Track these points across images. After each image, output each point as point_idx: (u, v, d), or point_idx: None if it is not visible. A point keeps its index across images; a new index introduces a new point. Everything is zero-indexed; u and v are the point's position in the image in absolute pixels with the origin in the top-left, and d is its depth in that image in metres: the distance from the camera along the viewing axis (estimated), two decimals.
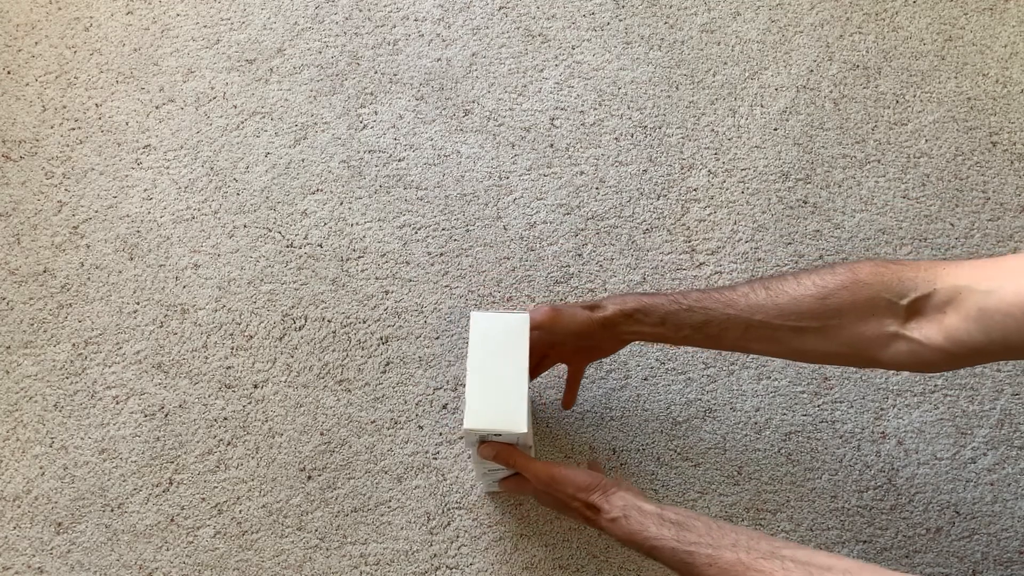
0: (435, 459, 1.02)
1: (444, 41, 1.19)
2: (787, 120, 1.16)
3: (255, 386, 1.05)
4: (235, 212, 1.11)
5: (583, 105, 1.16)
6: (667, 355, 1.05)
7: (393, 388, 1.04)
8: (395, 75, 1.17)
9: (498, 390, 0.82)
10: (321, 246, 1.10)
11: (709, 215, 1.12)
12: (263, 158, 1.14)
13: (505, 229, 1.11)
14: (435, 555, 0.99)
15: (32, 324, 1.07)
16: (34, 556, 0.99)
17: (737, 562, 0.68)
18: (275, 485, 1.01)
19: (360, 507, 1.00)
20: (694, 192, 1.13)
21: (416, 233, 1.11)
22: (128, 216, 1.11)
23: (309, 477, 1.01)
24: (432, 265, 1.09)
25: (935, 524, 1.00)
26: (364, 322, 1.07)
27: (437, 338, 1.06)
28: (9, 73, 1.17)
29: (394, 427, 1.03)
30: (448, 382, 1.05)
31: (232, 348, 1.06)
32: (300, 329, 1.07)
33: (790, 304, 0.77)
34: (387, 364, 1.05)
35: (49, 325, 1.07)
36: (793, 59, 1.19)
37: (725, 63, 1.18)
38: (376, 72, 1.18)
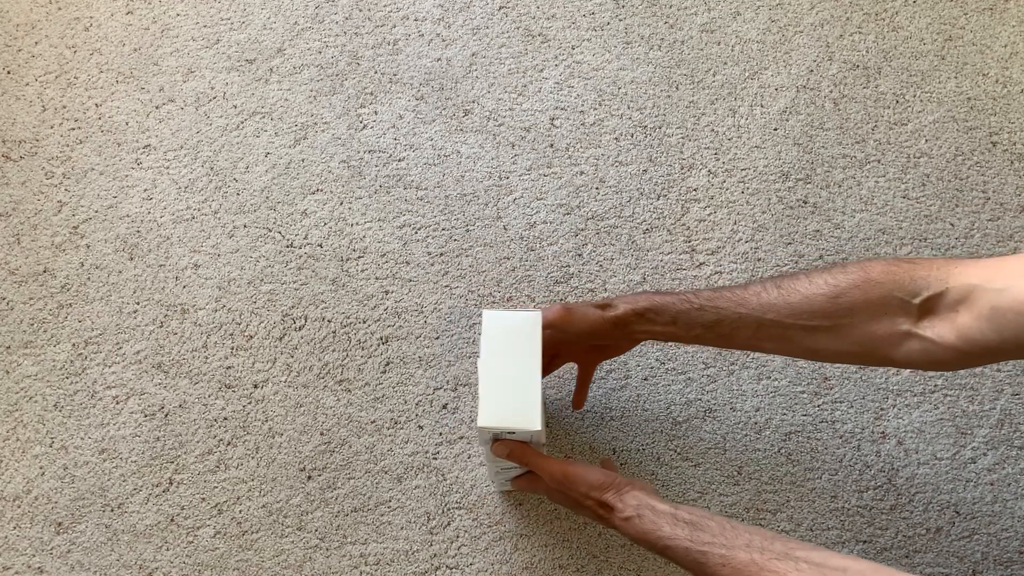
0: (435, 459, 1.02)
1: (444, 41, 1.19)
2: (787, 120, 1.16)
3: (255, 386, 1.05)
4: (235, 212, 1.11)
5: (583, 105, 1.16)
6: (667, 355, 1.05)
7: (393, 388, 1.04)
8: (395, 75, 1.17)
9: (511, 388, 0.82)
10: (321, 246, 1.10)
11: (709, 215, 1.12)
12: (263, 158, 1.14)
13: (505, 229, 1.11)
14: (435, 555, 0.99)
15: (32, 324, 1.07)
16: (34, 556, 0.99)
17: (751, 562, 0.68)
18: (275, 485, 1.01)
19: (360, 507, 1.00)
20: (694, 192, 1.13)
21: (416, 233, 1.11)
22: (128, 216, 1.11)
23: (309, 477, 1.01)
24: (432, 265, 1.09)
25: (935, 524, 1.00)
26: (364, 322, 1.07)
27: (437, 338, 1.06)
28: (9, 73, 1.17)
29: (394, 427, 1.03)
30: (448, 382, 1.05)
31: (232, 348, 1.06)
32: (300, 329, 1.07)
33: (802, 303, 0.77)
34: (387, 364, 1.05)
35: (49, 325, 1.07)
36: (793, 59, 1.19)
37: (725, 63, 1.18)
38: (376, 72, 1.18)
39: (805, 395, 1.04)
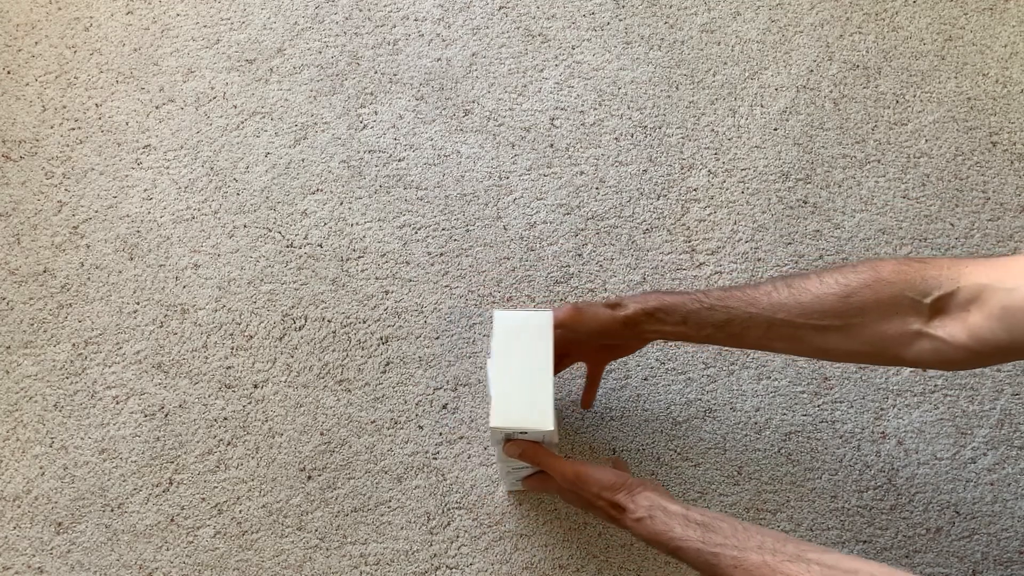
0: (435, 459, 1.02)
1: (444, 41, 1.19)
2: (787, 120, 1.16)
3: (255, 386, 1.05)
4: (235, 212, 1.11)
5: (583, 105, 1.16)
6: (667, 355, 1.05)
7: (393, 388, 1.04)
8: (395, 75, 1.17)
9: (524, 388, 0.82)
10: (321, 246, 1.10)
11: (709, 215, 1.12)
12: (263, 158, 1.14)
13: (505, 229, 1.11)
14: (435, 555, 0.99)
15: (32, 324, 1.07)
16: (34, 556, 0.99)
17: (763, 564, 0.68)
18: (275, 485, 1.01)
19: (360, 507, 1.00)
20: (694, 192, 1.13)
21: (416, 233, 1.11)
22: (128, 216, 1.11)
23: (309, 477, 1.01)
24: (432, 265, 1.09)
25: (935, 524, 1.00)
26: (364, 322, 1.07)
27: (437, 338, 1.06)
28: (9, 73, 1.17)
29: (394, 427, 1.03)
30: (448, 382, 1.05)
31: (232, 348, 1.06)
32: (300, 329, 1.07)
33: (813, 303, 0.77)
34: (387, 364, 1.05)
35: (49, 325, 1.07)
36: (793, 59, 1.19)
37: (725, 63, 1.18)
38: (376, 72, 1.18)
39: (805, 395, 1.04)
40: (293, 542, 0.99)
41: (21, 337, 1.06)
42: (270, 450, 1.02)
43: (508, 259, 1.10)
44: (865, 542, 1.00)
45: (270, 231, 1.11)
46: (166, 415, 1.03)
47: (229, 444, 1.02)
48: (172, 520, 1.00)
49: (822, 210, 1.12)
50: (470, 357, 1.05)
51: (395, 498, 1.01)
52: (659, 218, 1.11)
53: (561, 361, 0.94)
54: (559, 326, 0.86)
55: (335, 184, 1.13)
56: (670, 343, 1.05)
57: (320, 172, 1.13)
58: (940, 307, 0.71)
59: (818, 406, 1.04)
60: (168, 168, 1.13)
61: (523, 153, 1.14)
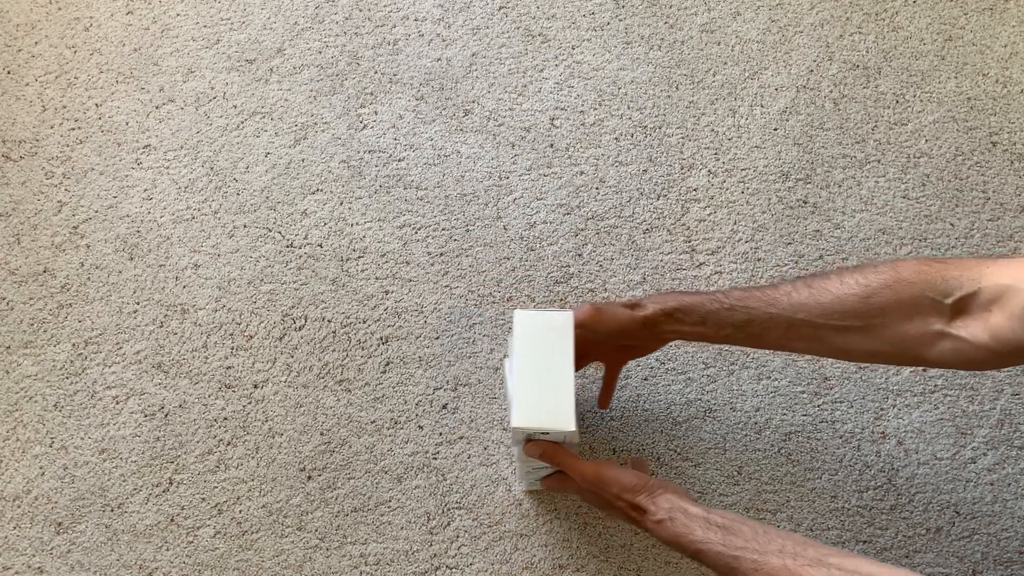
0: (435, 459, 1.02)
1: (444, 41, 1.19)
2: (787, 120, 1.16)
3: (255, 386, 1.05)
4: (235, 212, 1.11)
5: (583, 105, 1.16)
6: (667, 355, 1.05)
7: (393, 388, 1.04)
8: (395, 75, 1.17)
9: (545, 388, 0.82)
10: (321, 246, 1.10)
11: (709, 215, 1.12)
12: (263, 158, 1.14)
13: (505, 229, 1.11)
14: (435, 555, 0.99)
15: (32, 324, 1.07)
16: (34, 556, 0.99)
17: (783, 568, 0.68)
18: (275, 485, 1.01)
19: (360, 507, 1.00)
20: (694, 192, 1.13)
21: (416, 233, 1.11)
22: (128, 216, 1.11)
23: (309, 477, 1.01)
24: (432, 265, 1.09)
25: (935, 524, 1.00)
26: (364, 322, 1.07)
27: (437, 338, 1.06)
28: (9, 73, 1.17)
29: (394, 427, 1.03)
30: (448, 382, 1.05)
31: (232, 348, 1.06)
32: (300, 329, 1.07)
33: (833, 303, 0.77)
34: (387, 364, 1.05)
35: (49, 325, 1.07)
36: (793, 59, 1.19)
37: (725, 63, 1.18)
38: (376, 72, 1.18)
39: (805, 395, 1.04)
40: (293, 542, 0.99)
41: (21, 337, 1.06)
42: (270, 450, 1.02)
43: (508, 259, 1.10)
44: (865, 542, 1.00)
45: (270, 231, 1.11)
46: (166, 415, 1.03)
47: (229, 444, 1.02)
48: (172, 520, 1.00)
49: (822, 210, 1.12)
50: (470, 357, 1.05)
51: (395, 498, 1.01)
52: (659, 218, 1.11)
53: (579, 361, 0.94)
54: (578, 326, 0.85)
55: (335, 184, 1.13)
56: (670, 344, 1.04)
57: (320, 172, 1.13)
58: (962, 307, 0.71)
59: (818, 406, 1.04)
60: (168, 168, 1.13)
61: (523, 153, 1.14)
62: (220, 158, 1.14)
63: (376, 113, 1.16)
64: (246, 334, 1.07)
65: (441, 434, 1.03)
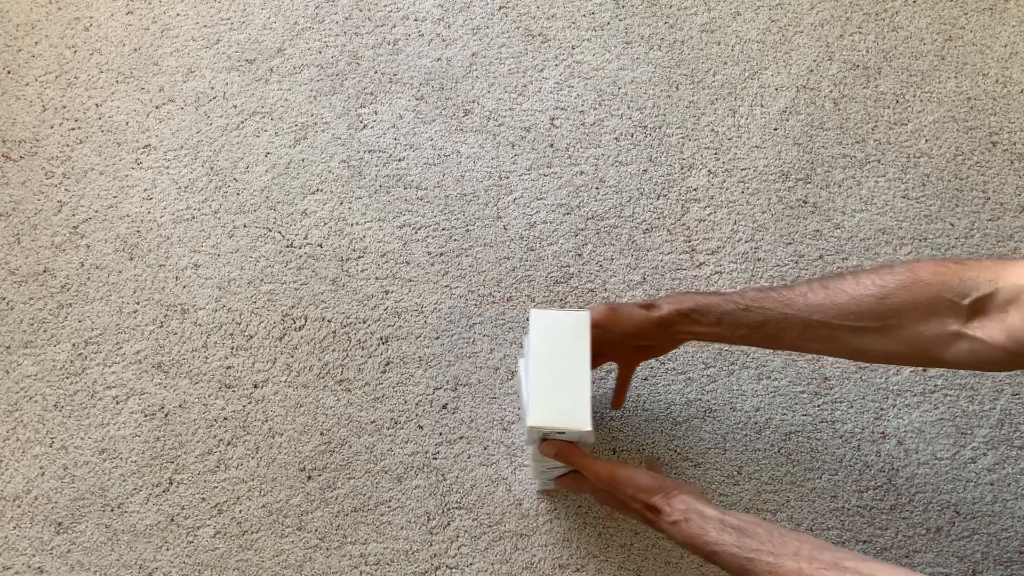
0: (435, 459, 1.02)
1: (444, 41, 1.19)
2: (787, 120, 1.16)
3: (255, 386, 1.05)
4: (235, 212, 1.11)
5: (583, 105, 1.16)
6: (667, 355, 1.05)
7: (393, 388, 1.04)
8: (395, 75, 1.17)
9: (561, 388, 0.82)
10: (321, 246, 1.10)
11: (709, 215, 1.12)
12: (263, 158, 1.14)
13: (505, 229, 1.11)
14: (435, 555, 0.99)
15: (32, 324, 1.07)
16: (34, 556, 0.99)
17: (798, 571, 0.68)
18: (275, 485, 1.01)
19: (360, 507, 1.00)
20: (694, 192, 1.13)
21: (416, 233, 1.11)
22: (128, 216, 1.11)
23: (309, 477, 1.01)
24: (432, 265, 1.09)
25: (935, 524, 1.00)
26: (364, 322, 1.07)
27: (437, 338, 1.06)
28: (9, 73, 1.17)
29: (394, 427, 1.03)
30: (448, 382, 1.05)
31: (232, 348, 1.06)
32: (300, 329, 1.07)
33: (849, 304, 0.77)
34: (387, 364, 1.05)
35: (49, 325, 1.07)
36: (793, 59, 1.19)
37: (725, 63, 1.18)
38: (376, 72, 1.18)
39: (805, 395, 1.04)
40: (293, 542, 0.99)
41: (21, 337, 1.06)
42: (270, 450, 1.02)
43: (508, 259, 1.10)
44: (865, 542, 1.00)
45: (270, 231, 1.11)
46: (166, 415, 1.03)
47: (229, 444, 1.02)
48: (172, 520, 1.00)
49: (822, 210, 1.12)
50: (470, 357, 1.05)
51: (395, 498, 1.01)
52: (659, 218, 1.11)
53: (593, 361, 0.94)
54: (594, 326, 0.85)
55: (335, 184, 1.13)
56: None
57: (320, 172, 1.13)
58: (979, 308, 0.71)
59: (818, 406, 1.04)
60: (168, 168, 1.13)
61: (523, 153, 1.14)
62: (220, 158, 1.14)
63: (376, 113, 1.16)
64: (246, 334, 1.07)
65: (441, 434, 1.03)
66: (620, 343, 0.91)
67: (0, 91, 1.16)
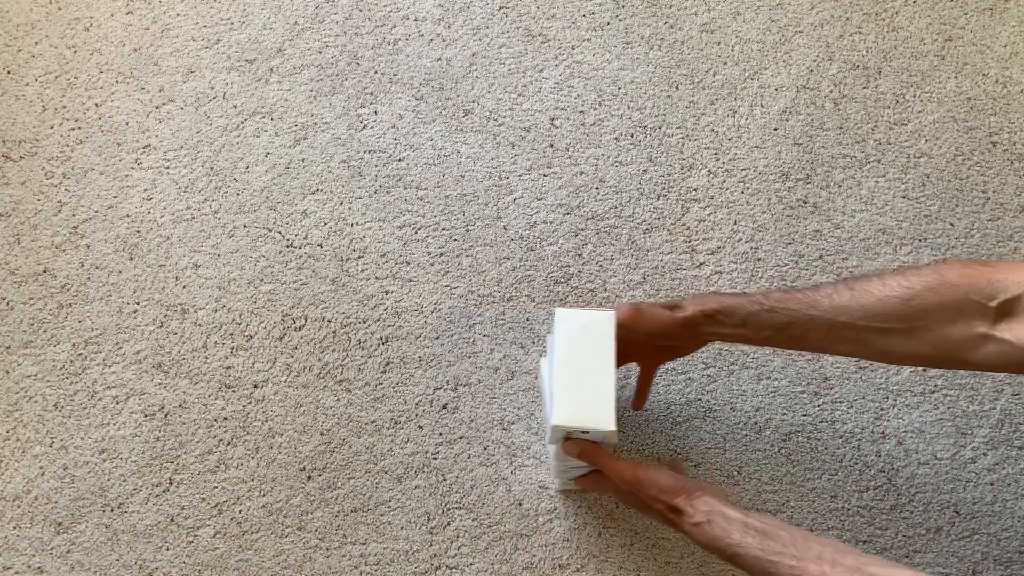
0: (435, 459, 1.02)
1: (444, 41, 1.19)
2: (787, 120, 1.16)
3: (255, 386, 1.05)
4: (235, 212, 1.11)
5: (583, 105, 1.16)
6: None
7: (393, 388, 1.04)
8: (395, 75, 1.17)
9: (586, 387, 0.82)
10: (321, 246, 1.10)
11: (709, 215, 1.12)
12: (263, 158, 1.14)
13: (505, 229, 1.11)
14: (435, 555, 0.99)
15: (32, 324, 1.07)
16: (34, 556, 0.99)
17: (821, 575, 0.68)
18: (275, 485, 1.01)
19: (360, 507, 1.00)
20: (694, 192, 1.13)
21: (416, 233, 1.11)
22: (128, 216, 1.11)
23: (309, 477, 1.01)
24: (432, 265, 1.09)
25: (935, 524, 1.00)
26: (364, 322, 1.07)
27: (437, 338, 1.06)
28: (9, 73, 1.17)
29: (394, 427, 1.03)
30: (448, 382, 1.05)
31: (232, 348, 1.06)
32: (300, 329, 1.07)
33: (875, 305, 0.77)
34: (387, 364, 1.05)
35: (49, 325, 1.07)
36: (793, 59, 1.19)
37: (725, 63, 1.18)
38: (376, 72, 1.18)
39: (805, 395, 1.04)
40: (293, 542, 0.99)
41: (21, 337, 1.06)
42: (270, 450, 1.02)
43: (508, 259, 1.10)
44: (865, 542, 1.00)
45: (270, 231, 1.11)
46: (166, 415, 1.03)
47: (229, 444, 1.02)
48: (172, 520, 1.00)
49: (822, 210, 1.12)
50: (470, 357, 1.05)
51: (395, 498, 1.01)
52: (659, 218, 1.11)
53: (617, 361, 0.94)
54: (618, 326, 0.85)
55: (335, 184, 1.13)
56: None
57: (320, 172, 1.13)
58: (1007, 310, 0.71)
59: (818, 406, 1.04)
60: (168, 168, 1.13)
61: (523, 153, 1.14)
62: (220, 158, 1.14)
63: (376, 113, 1.16)
64: (246, 334, 1.07)
65: (441, 434, 1.03)
66: (644, 343, 0.90)
67: (0, 91, 1.16)
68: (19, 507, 1.00)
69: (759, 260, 1.10)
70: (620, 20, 1.20)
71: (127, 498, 1.01)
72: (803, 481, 1.01)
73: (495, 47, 1.19)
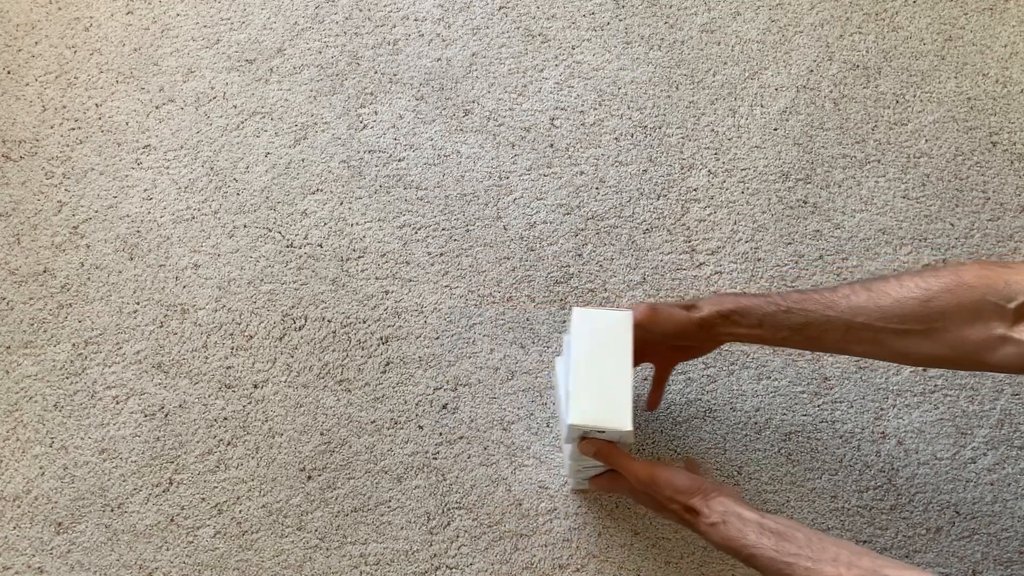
0: (435, 459, 1.02)
1: (444, 41, 1.19)
2: (787, 120, 1.16)
3: (255, 386, 1.05)
4: (235, 212, 1.11)
5: (583, 105, 1.16)
6: None
7: (393, 388, 1.04)
8: (395, 75, 1.17)
9: (603, 387, 0.82)
10: (321, 246, 1.10)
11: (709, 215, 1.12)
12: (263, 158, 1.14)
13: (505, 229, 1.11)
14: (435, 555, 0.99)
15: (32, 324, 1.07)
16: (34, 556, 0.99)
17: None
18: (275, 485, 1.01)
19: (360, 507, 1.00)
20: (694, 192, 1.13)
21: (416, 233, 1.11)
22: (128, 216, 1.11)
23: (309, 477, 1.01)
24: (432, 265, 1.09)
25: (935, 524, 1.00)
26: (364, 322, 1.07)
27: (437, 338, 1.06)
28: (9, 73, 1.17)
29: (394, 427, 1.03)
30: (448, 382, 1.05)
31: (232, 348, 1.06)
32: (300, 329, 1.07)
33: (893, 306, 0.77)
34: (387, 364, 1.05)
35: (49, 325, 1.07)
36: (793, 59, 1.19)
37: (725, 63, 1.18)
38: (376, 72, 1.18)
39: (805, 395, 1.04)
40: (293, 542, 0.99)
41: (21, 337, 1.06)
42: (270, 450, 1.02)
43: (508, 259, 1.10)
44: (865, 542, 1.00)
45: (270, 231, 1.11)
46: (166, 415, 1.03)
47: (229, 444, 1.02)
48: (172, 520, 1.00)
49: (822, 210, 1.12)
50: (470, 357, 1.05)
51: (395, 498, 1.01)
52: (659, 218, 1.11)
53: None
54: (635, 326, 0.85)
55: (335, 184, 1.13)
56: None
57: (320, 172, 1.13)
58: None
59: (818, 406, 1.04)
60: (168, 168, 1.13)
61: (523, 153, 1.14)
62: (220, 158, 1.14)
63: (376, 113, 1.16)
64: (246, 334, 1.07)
65: (441, 434, 1.03)
66: (660, 343, 0.90)
67: (0, 91, 1.16)
68: (19, 507, 1.00)
69: (759, 260, 1.10)
70: (620, 20, 1.20)
71: (127, 498, 1.01)
72: (803, 481, 1.01)
73: (495, 47, 1.19)
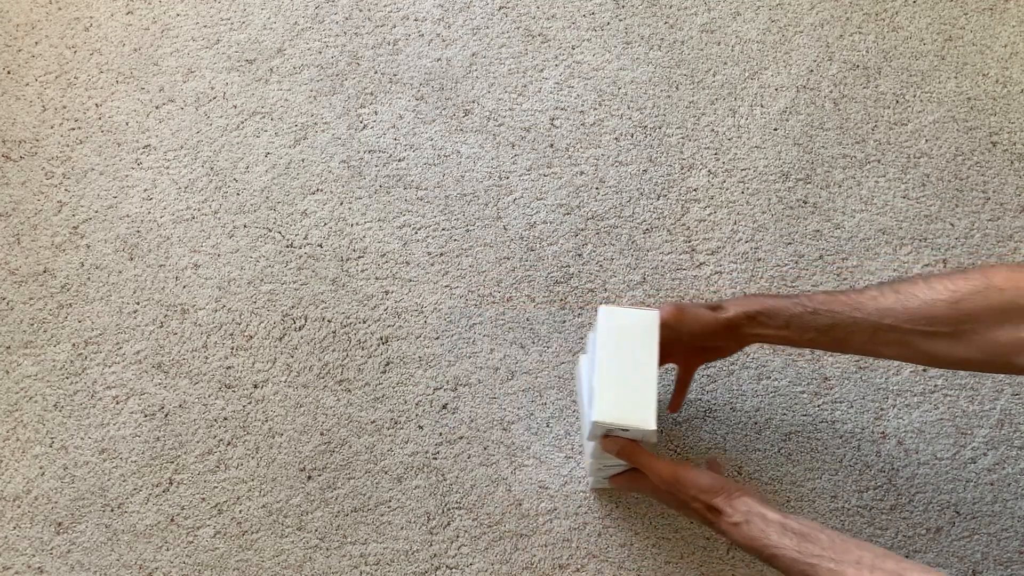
0: (435, 459, 1.02)
1: (444, 41, 1.19)
2: (787, 120, 1.16)
3: (255, 386, 1.05)
4: (235, 212, 1.11)
5: (583, 105, 1.16)
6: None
7: (393, 388, 1.04)
8: (395, 75, 1.17)
9: (628, 385, 0.82)
10: (321, 246, 1.10)
11: (709, 215, 1.12)
12: (263, 158, 1.14)
13: (505, 229, 1.11)
14: (435, 555, 0.99)
15: (32, 324, 1.07)
16: (34, 556, 0.99)
17: None
18: (275, 485, 1.01)
19: (360, 507, 1.00)
20: (694, 192, 1.13)
21: (416, 233, 1.11)
22: (128, 216, 1.11)
23: (309, 477, 1.01)
24: (432, 265, 1.09)
25: (935, 524, 1.00)
26: (364, 322, 1.07)
27: (437, 338, 1.06)
28: (9, 73, 1.17)
29: (394, 427, 1.03)
30: (448, 382, 1.05)
31: (232, 348, 1.06)
32: (300, 329, 1.07)
33: (921, 308, 0.76)
34: (387, 364, 1.05)
35: (49, 325, 1.07)
36: (793, 59, 1.19)
37: (725, 63, 1.18)
38: (376, 72, 1.18)
39: (805, 395, 1.04)
40: (293, 542, 0.99)
41: (21, 337, 1.06)
42: (270, 450, 1.02)
43: (508, 259, 1.10)
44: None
45: (270, 231, 1.11)
46: (166, 415, 1.03)
47: (229, 444, 1.02)
48: (172, 520, 1.00)
49: (822, 210, 1.12)
50: (470, 357, 1.05)
51: (395, 498, 1.01)
52: (659, 218, 1.11)
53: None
54: (661, 326, 0.85)
55: (335, 184, 1.13)
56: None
57: (320, 172, 1.13)
58: None
59: (818, 406, 1.04)
60: (168, 168, 1.13)
61: (523, 153, 1.14)
62: (220, 158, 1.14)
63: (376, 113, 1.16)
64: (246, 334, 1.07)
65: (441, 434, 1.03)
66: (685, 343, 0.90)
67: (0, 91, 1.16)
68: (19, 507, 1.00)
69: (759, 260, 1.10)
70: (620, 20, 1.20)
71: (127, 498, 1.01)
72: (803, 481, 1.01)
73: (495, 47, 1.19)
